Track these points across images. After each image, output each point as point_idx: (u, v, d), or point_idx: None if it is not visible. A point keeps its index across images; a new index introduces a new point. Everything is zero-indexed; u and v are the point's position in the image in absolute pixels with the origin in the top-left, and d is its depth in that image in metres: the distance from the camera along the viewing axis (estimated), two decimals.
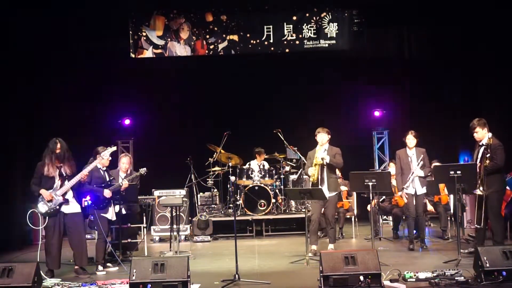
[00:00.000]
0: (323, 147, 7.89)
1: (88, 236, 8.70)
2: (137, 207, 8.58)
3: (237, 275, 6.24)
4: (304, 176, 8.91)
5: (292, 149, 10.68)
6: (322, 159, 7.75)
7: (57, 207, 6.87)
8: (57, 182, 6.92)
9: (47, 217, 6.89)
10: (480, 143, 7.27)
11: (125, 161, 8.24)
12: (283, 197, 10.54)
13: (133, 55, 11.44)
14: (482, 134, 7.23)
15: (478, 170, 7.08)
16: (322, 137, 7.91)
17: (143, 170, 8.00)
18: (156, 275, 5.67)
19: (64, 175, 6.94)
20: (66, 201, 6.93)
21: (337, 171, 9.86)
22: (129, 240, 8.25)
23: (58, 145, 6.92)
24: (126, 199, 7.86)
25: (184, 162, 10.39)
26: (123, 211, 7.90)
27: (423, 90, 11.66)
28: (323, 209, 8.02)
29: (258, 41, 11.44)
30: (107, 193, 7.40)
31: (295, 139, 10.73)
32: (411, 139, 8.07)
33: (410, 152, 8.07)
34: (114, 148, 7.31)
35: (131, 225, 8.25)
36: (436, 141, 10.53)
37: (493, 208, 7.15)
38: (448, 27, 11.07)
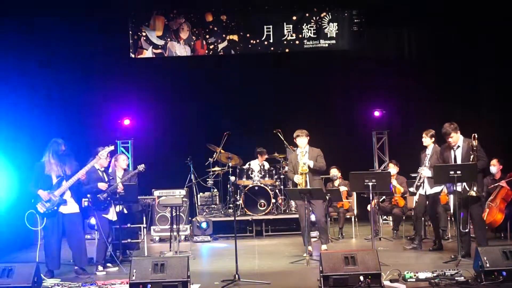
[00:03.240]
0: (304, 149, 7.86)
1: (88, 237, 8.70)
2: (137, 206, 8.56)
3: (237, 275, 6.24)
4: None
5: (292, 149, 10.64)
6: (308, 166, 7.71)
7: (55, 207, 6.86)
8: (55, 182, 6.90)
9: (45, 218, 6.88)
10: (456, 146, 7.30)
11: (121, 159, 8.20)
12: (283, 197, 10.54)
13: (133, 55, 11.45)
14: (457, 138, 7.30)
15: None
16: (302, 140, 7.88)
17: (141, 167, 7.90)
18: (156, 275, 5.67)
19: (63, 175, 6.93)
20: (64, 202, 6.91)
21: (337, 172, 9.91)
22: (129, 240, 8.25)
23: (62, 146, 6.95)
24: (126, 199, 7.85)
25: (184, 162, 10.38)
26: (125, 211, 7.89)
27: (423, 90, 11.65)
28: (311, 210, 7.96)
29: (258, 41, 11.44)
30: (101, 185, 7.36)
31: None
32: (423, 138, 8.00)
33: (427, 151, 8.02)
34: (112, 148, 7.29)
35: (131, 225, 8.24)
36: (435, 141, 10.51)
37: (476, 211, 7.18)
38: (448, 26, 11.06)
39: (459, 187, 7.09)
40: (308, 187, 7.64)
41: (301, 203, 7.64)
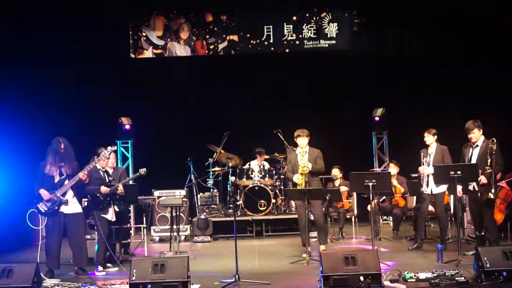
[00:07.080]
0: (304, 150, 7.85)
1: (88, 237, 8.69)
2: (127, 205, 8.53)
3: (237, 276, 6.24)
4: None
5: (292, 149, 10.63)
6: (307, 168, 7.70)
7: (56, 207, 6.85)
8: (57, 181, 6.89)
9: (46, 217, 6.88)
10: (475, 145, 7.38)
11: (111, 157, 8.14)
12: (283, 197, 10.54)
13: (133, 55, 11.46)
14: (479, 136, 7.37)
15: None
16: (303, 140, 7.86)
17: (143, 171, 7.94)
18: (156, 275, 5.67)
19: (65, 175, 6.92)
20: (65, 202, 6.91)
21: (338, 172, 9.92)
22: (128, 240, 8.24)
23: (62, 145, 6.91)
24: (126, 199, 7.85)
25: (184, 162, 10.38)
26: (116, 208, 7.86)
27: (423, 91, 11.65)
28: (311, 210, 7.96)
29: (258, 41, 11.46)
30: (104, 189, 7.36)
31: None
32: (426, 137, 8.03)
33: (430, 150, 8.03)
34: (115, 148, 7.29)
35: (131, 226, 8.24)
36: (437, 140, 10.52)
37: (489, 212, 7.33)
38: (448, 26, 11.06)
39: (470, 187, 7.22)
40: (308, 187, 7.65)
41: (300, 203, 7.65)
